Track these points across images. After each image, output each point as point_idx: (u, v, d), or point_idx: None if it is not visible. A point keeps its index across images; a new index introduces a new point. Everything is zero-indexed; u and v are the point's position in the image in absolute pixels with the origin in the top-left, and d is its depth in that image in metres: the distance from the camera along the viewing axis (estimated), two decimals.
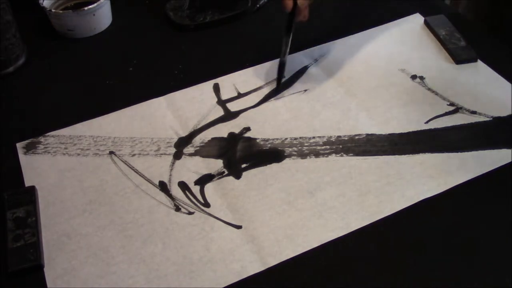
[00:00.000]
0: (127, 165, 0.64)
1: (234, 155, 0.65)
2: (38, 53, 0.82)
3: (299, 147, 0.65)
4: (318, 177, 0.61)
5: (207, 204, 0.59)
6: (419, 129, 0.66)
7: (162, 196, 0.61)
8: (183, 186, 0.61)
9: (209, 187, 0.61)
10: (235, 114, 0.70)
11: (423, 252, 0.54)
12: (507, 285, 0.50)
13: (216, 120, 0.69)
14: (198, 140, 0.67)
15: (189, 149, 0.66)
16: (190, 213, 0.59)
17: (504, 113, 0.67)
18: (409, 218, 0.57)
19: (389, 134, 0.66)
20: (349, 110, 0.69)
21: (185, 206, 0.59)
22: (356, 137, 0.66)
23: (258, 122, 0.69)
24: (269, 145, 0.66)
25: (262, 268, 0.53)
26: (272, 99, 0.72)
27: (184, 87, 0.74)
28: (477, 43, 0.76)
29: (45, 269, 0.54)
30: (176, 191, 0.61)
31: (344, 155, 0.64)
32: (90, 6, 0.81)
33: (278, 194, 0.60)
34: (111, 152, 0.66)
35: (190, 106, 0.71)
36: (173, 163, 0.64)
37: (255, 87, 0.74)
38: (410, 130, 0.66)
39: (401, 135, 0.66)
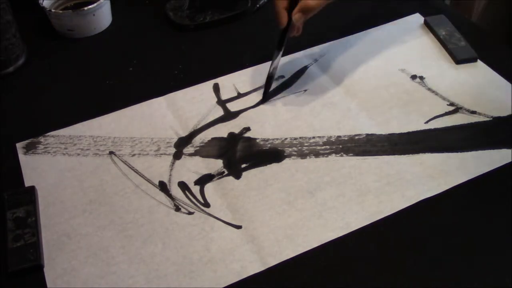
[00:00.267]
0: (127, 165, 0.64)
1: (234, 155, 0.65)
2: (38, 53, 0.82)
3: (299, 147, 0.65)
4: (318, 177, 0.61)
5: (207, 204, 0.59)
6: (419, 129, 0.66)
7: (162, 196, 0.61)
8: (183, 186, 0.61)
9: (209, 187, 0.61)
10: (235, 114, 0.70)
11: (423, 252, 0.54)
12: (507, 285, 0.50)
13: (216, 120, 0.69)
14: (198, 140, 0.67)
15: (189, 149, 0.66)
16: (190, 213, 0.59)
17: (504, 113, 0.67)
18: (409, 218, 0.57)
19: (389, 134, 0.66)
20: (349, 110, 0.69)
21: (185, 206, 0.59)
22: (356, 137, 0.66)
23: (258, 122, 0.69)
24: (269, 145, 0.66)
25: (262, 268, 0.53)
26: (272, 99, 0.72)
27: (184, 87, 0.74)
28: (477, 43, 0.76)
29: (45, 269, 0.54)
30: (176, 191, 0.61)
31: (344, 155, 0.64)
32: (90, 6, 0.81)
33: (278, 194, 0.60)
34: (111, 152, 0.66)
35: (190, 106, 0.71)
36: (173, 163, 0.64)
37: (255, 87, 0.74)
38: (410, 130, 0.66)
39: (401, 135, 0.66)
